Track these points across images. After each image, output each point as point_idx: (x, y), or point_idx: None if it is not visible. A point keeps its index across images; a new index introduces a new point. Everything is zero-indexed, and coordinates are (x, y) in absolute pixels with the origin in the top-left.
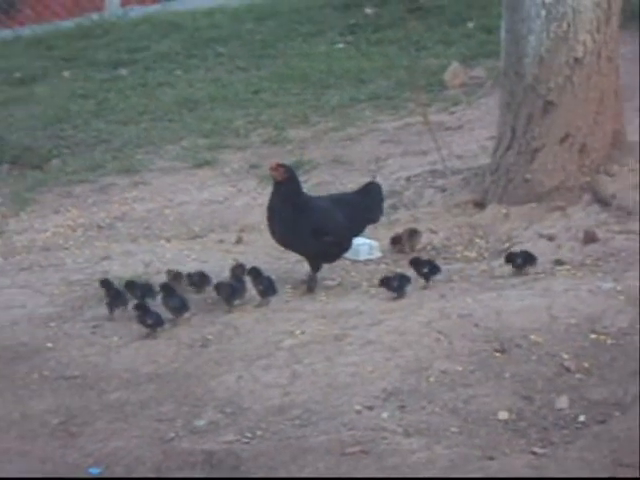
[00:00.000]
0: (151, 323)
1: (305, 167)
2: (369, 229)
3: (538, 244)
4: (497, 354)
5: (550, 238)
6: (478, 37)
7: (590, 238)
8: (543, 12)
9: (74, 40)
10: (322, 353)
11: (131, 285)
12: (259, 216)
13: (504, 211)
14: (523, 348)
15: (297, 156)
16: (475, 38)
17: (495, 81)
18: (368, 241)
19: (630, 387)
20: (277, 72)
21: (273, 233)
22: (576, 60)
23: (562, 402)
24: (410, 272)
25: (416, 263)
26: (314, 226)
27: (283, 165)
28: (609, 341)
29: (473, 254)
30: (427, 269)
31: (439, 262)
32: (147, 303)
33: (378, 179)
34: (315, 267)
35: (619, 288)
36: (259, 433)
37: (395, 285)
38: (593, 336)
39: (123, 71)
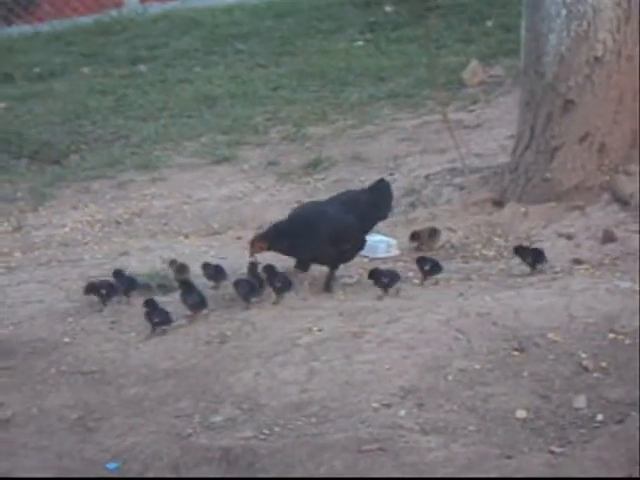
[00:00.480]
0: (158, 321)
1: (324, 164)
2: (387, 227)
3: (557, 243)
4: (515, 353)
5: (569, 237)
6: (498, 35)
7: (608, 237)
8: (563, 11)
9: (93, 36)
10: (340, 350)
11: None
12: (277, 213)
13: (523, 210)
14: (541, 347)
15: (316, 153)
16: (494, 36)
17: (514, 79)
18: (386, 239)
19: None
20: (296, 69)
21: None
22: (596, 59)
23: (580, 401)
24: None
25: (420, 261)
26: (331, 237)
27: (260, 238)
28: (627, 340)
29: (492, 253)
30: (429, 267)
31: (457, 260)
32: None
33: (397, 177)
34: (333, 267)
35: (637, 287)
36: (276, 430)
37: (385, 281)
38: (611, 335)
39: (142, 67)
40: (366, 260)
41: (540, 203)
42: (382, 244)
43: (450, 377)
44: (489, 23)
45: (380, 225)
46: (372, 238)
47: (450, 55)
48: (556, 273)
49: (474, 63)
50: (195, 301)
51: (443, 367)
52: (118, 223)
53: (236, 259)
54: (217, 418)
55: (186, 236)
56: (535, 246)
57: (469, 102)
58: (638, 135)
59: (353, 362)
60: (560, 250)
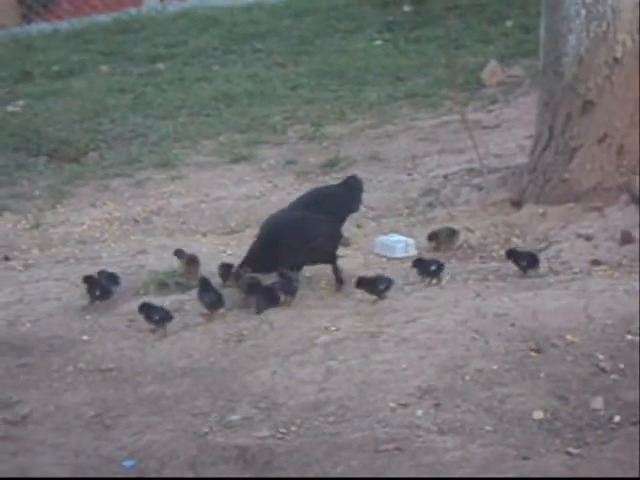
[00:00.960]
0: (157, 319)
1: (341, 164)
2: (406, 227)
3: (575, 244)
4: (533, 354)
5: (587, 238)
6: (516, 36)
7: (627, 239)
8: (583, 11)
9: (112, 34)
10: (357, 350)
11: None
12: None
13: (541, 210)
14: (559, 348)
15: (333, 152)
16: (513, 37)
17: (533, 80)
18: (404, 238)
19: None
20: (315, 68)
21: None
22: (615, 60)
23: (597, 403)
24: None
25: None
26: (298, 238)
27: (242, 267)
28: None
29: None
30: (435, 267)
31: (475, 261)
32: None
33: (415, 176)
34: (331, 260)
35: None
36: (293, 429)
37: (380, 288)
38: (629, 337)
39: (161, 66)
40: (384, 260)
41: (558, 204)
42: (400, 244)
43: (467, 377)
44: (508, 23)
45: (399, 225)
46: (390, 238)
47: (469, 55)
48: (574, 274)
49: (493, 63)
50: (212, 300)
51: (460, 367)
52: (136, 221)
53: None
54: (234, 417)
55: (204, 235)
56: (529, 250)
57: (488, 102)
58: None
59: (370, 362)
60: (578, 251)
